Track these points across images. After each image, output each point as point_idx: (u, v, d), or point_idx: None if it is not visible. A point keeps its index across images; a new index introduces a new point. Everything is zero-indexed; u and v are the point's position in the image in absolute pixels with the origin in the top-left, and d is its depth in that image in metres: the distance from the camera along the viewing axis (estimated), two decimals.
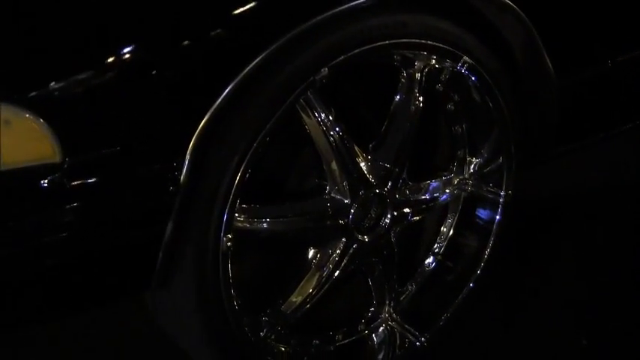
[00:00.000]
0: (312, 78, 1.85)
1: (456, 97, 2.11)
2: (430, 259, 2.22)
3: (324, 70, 1.85)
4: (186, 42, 1.72)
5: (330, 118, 1.93)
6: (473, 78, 2.04)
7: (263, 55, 1.76)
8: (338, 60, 1.85)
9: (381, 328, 2.13)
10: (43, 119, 1.65)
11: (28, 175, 1.67)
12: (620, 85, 2.28)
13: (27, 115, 1.64)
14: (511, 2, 1.98)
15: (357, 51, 1.87)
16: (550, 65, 2.08)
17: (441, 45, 1.99)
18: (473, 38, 2.02)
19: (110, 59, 1.69)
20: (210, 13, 1.74)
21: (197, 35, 1.73)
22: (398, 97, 2.04)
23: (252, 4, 1.75)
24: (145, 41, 1.71)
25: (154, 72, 1.70)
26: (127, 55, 1.69)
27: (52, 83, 1.67)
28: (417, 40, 1.96)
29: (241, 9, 1.75)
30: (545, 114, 2.19)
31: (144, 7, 1.74)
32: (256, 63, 1.75)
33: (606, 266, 2.47)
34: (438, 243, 2.23)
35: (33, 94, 1.67)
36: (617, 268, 2.47)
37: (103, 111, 1.70)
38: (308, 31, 1.80)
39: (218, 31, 1.74)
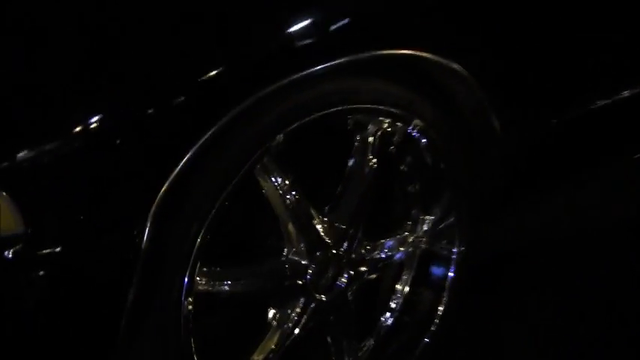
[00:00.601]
0: (268, 144, 1.89)
1: (409, 158, 2.15)
2: (387, 315, 2.25)
3: (280, 137, 1.89)
4: (148, 112, 1.76)
5: (287, 181, 1.97)
6: (424, 140, 2.10)
7: (219, 123, 1.80)
8: (293, 126, 1.90)
9: None
10: (6, 192, 1.69)
11: None
12: (563, 141, 2.33)
13: None
14: (460, 69, 2.02)
15: (311, 117, 1.92)
16: (497, 126, 2.13)
17: (392, 109, 2.03)
18: (424, 102, 2.07)
19: (71, 132, 1.72)
20: (170, 85, 1.78)
21: (158, 106, 1.77)
22: (352, 160, 2.09)
23: (208, 74, 1.79)
24: (108, 113, 1.74)
25: (117, 142, 1.74)
26: (89, 127, 1.71)
27: (15, 157, 1.70)
28: (370, 105, 2.02)
29: (198, 79, 1.79)
30: (494, 171, 2.23)
31: (103, 80, 1.77)
32: (213, 131, 1.79)
33: (573, 309, 2.50)
34: (395, 299, 2.25)
35: None
36: (583, 312, 2.50)
37: (64, 182, 1.74)
38: (263, 99, 1.84)
39: (178, 101, 1.78)
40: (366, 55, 1.95)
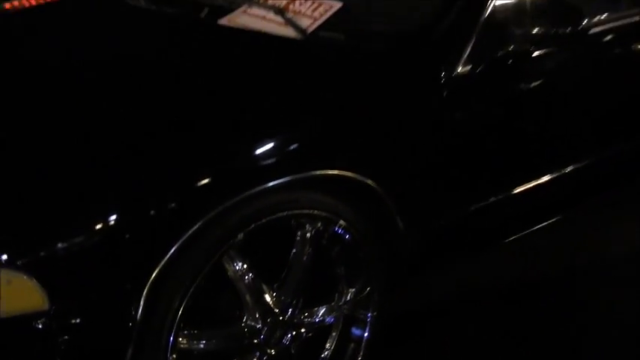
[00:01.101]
0: (232, 241, 2.27)
1: (336, 248, 2.53)
2: None
3: (241, 235, 2.28)
4: (150, 213, 2.10)
5: (245, 266, 2.35)
6: (347, 236, 2.49)
7: (198, 224, 2.17)
8: (251, 227, 2.29)
9: None
10: (36, 279, 2.03)
11: (25, 319, 2.05)
12: (451, 235, 2.76)
13: (24, 277, 2.03)
14: (373, 184, 2.43)
15: (264, 220, 2.31)
16: (401, 225, 2.56)
17: (324, 213, 2.42)
18: (347, 208, 2.46)
19: (92, 228, 2.03)
20: (166, 194, 2.14)
21: (157, 209, 2.11)
22: (294, 250, 2.46)
23: (195, 185, 2.15)
24: (122, 213, 2.08)
25: (126, 237, 2.07)
26: (107, 224, 2.04)
27: (44, 250, 2.02)
28: (306, 211, 2.40)
29: (187, 190, 2.16)
30: (400, 257, 2.63)
31: (118, 187, 2.12)
32: (193, 230, 2.16)
33: None
34: (326, 351, 2.60)
35: (27, 260, 2.02)
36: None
37: (82, 269, 2.08)
38: (229, 208, 2.22)
39: (171, 206, 2.13)
40: (306, 174, 2.35)
